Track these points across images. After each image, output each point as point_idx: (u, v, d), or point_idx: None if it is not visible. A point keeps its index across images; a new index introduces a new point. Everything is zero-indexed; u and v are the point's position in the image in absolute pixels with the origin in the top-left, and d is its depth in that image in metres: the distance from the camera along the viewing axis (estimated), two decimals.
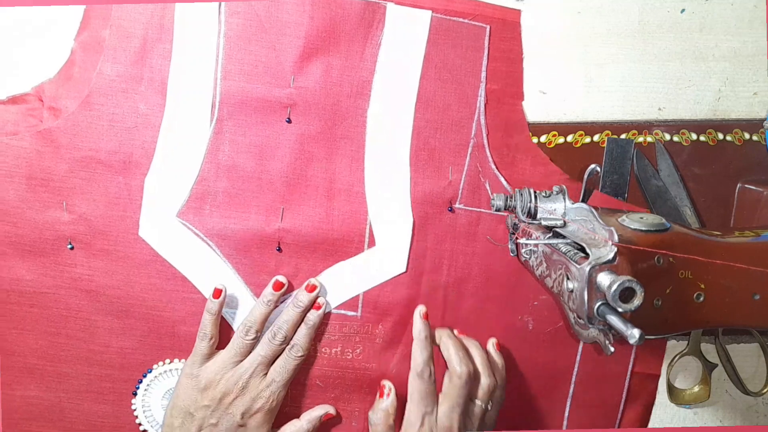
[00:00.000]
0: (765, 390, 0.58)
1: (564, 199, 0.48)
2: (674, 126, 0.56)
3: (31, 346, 0.55)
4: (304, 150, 0.55)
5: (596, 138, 0.56)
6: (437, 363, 0.53)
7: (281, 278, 0.54)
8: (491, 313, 0.57)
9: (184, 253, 0.55)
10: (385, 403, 0.54)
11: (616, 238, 0.37)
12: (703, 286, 0.39)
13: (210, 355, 0.53)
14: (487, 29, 0.55)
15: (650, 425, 0.60)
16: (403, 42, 0.54)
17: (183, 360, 0.55)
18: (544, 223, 0.47)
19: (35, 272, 0.54)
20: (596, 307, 0.35)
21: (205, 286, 0.55)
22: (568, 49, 0.55)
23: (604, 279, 0.35)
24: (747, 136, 0.56)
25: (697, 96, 0.56)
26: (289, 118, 0.54)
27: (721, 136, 0.56)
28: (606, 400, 0.58)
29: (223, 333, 0.55)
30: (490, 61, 0.55)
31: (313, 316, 0.54)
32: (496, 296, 0.57)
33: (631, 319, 0.34)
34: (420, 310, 0.55)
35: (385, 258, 0.56)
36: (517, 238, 0.52)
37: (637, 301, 0.33)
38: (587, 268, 0.36)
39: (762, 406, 0.61)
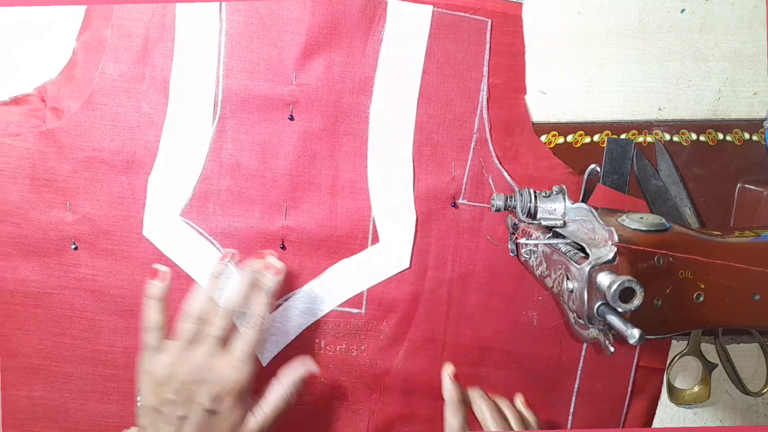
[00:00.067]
0: (765, 390, 0.58)
1: (564, 199, 0.48)
2: (674, 126, 0.56)
3: (36, 347, 0.56)
4: (306, 147, 0.55)
5: (596, 138, 0.56)
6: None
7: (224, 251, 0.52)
8: (496, 309, 0.57)
9: (188, 252, 0.55)
10: None
11: (616, 238, 0.37)
12: (703, 286, 0.39)
13: (161, 347, 0.49)
14: (489, 23, 0.55)
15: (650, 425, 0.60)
16: (405, 37, 0.54)
17: None
18: (544, 223, 0.47)
19: (39, 273, 0.54)
20: (596, 307, 0.35)
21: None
22: (568, 49, 0.55)
23: (604, 279, 0.35)
24: (747, 136, 0.56)
25: (697, 96, 0.56)
26: (291, 116, 0.54)
27: (721, 136, 0.56)
28: (611, 394, 0.58)
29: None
30: (492, 55, 0.55)
31: (269, 280, 0.50)
32: (501, 292, 0.57)
33: (631, 319, 0.34)
34: (448, 370, 0.55)
35: (389, 254, 0.56)
36: (517, 238, 0.52)
37: (637, 301, 0.34)
38: (587, 268, 0.36)
39: (762, 406, 0.61)
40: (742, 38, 0.55)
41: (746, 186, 0.56)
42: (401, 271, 0.56)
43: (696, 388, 0.60)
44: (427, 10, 0.54)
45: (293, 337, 0.57)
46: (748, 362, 0.59)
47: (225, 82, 0.54)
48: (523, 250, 0.50)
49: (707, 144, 0.56)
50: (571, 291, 0.38)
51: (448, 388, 0.54)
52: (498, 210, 0.51)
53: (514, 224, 0.52)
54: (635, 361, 0.58)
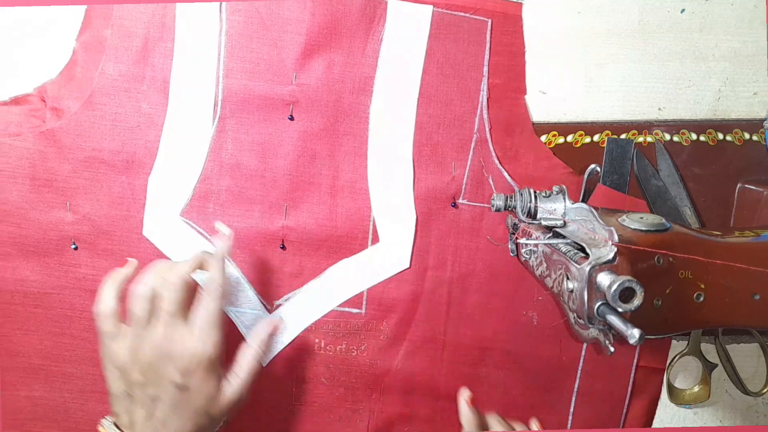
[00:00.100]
0: (765, 390, 0.58)
1: (564, 199, 0.48)
2: (674, 126, 0.56)
3: (36, 347, 0.56)
4: (306, 147, 0.55)
5: (596, 138, 0.56)
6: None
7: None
8: (496, 309, 0.57)
9: (188, 252, 0.55)
10: None
11: (616, 238, 0.37)
12: (703, 286, 0.39)
13: (118, 333, 0.47)
14: (489, 23, 0.55)
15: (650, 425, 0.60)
16: (405, 37, 0.54)
17: None
18: (544, 223, 0.47)
19: (39, 273, 0.54)
20: (596, 307, 0.35)
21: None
22: (568, 49, 0.55)
23: (604, 279, 0.35)
24: (747, 136, 0.56)
25: (697, 96, 0.56)
26: (291, 116, 0.54)
27: (721, 136, 0.56)
28: (611, 394, 0.58)
29: (231, 333, 0.55)
30: (492, 55, 0.55)
31: (221, 245, 0.50)
32: (501, 292, 0.57)
33: (631, 319, 0.34)
34: (464, 396, 0.55)
35: (389, 254, 0.56)
36: (517, 238, 0.52)
37: (637, 301, 0.34)
38: (587, 268, 0.36)
39: (762, 406, 0.61)
40: (742, 38, 0.55)
41: (746, 186, 0.56)
42: (401, 271, 0.56)
43: (696, 388, 0.60)
44: (427, 10, 0.54)
45: (293, 337, 0.57)
46: (748, 362, 0.59)
47: (225, 82, 0.54)
48: (523, 250, 0.50)
49: (707, 144, 0.56)
50: (571, 291, 0.38)
51: (466, 414, 0.55)
52: (498, 210, 0.51)
53: (514, 224, 0.52)
54: (635, 361, 0.58)
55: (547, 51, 0.55)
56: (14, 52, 0.54)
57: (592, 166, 0.53)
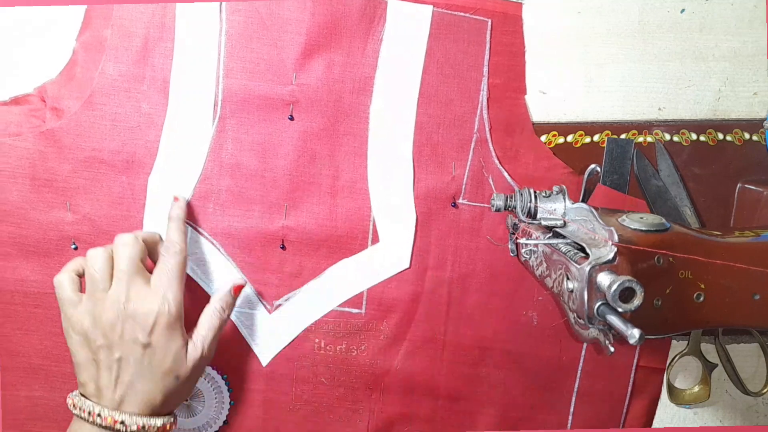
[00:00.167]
0: (765, 390, 0.58)
1: (564, 199, 0.48)
2: (674, 126, 0.56)
3: (36, 347, 0.56)
4: (306, 147, 0.55)
5: (596, 138, 0.56)
6: None
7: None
8: (496, 309, 0.57)
9: (188, 251, 0.55)
10: None
11: (616, 238, 0.37)
12: (703, 286, 0.39)
13: (78, 301, 0.47)
14: (489, 23, 0.55)
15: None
16: (405, 37, 0.54)
17: None
18: (544, 223, 0.47)
19: (39, 273, 0.54)
20: (596, 307, 0.35)
21: (210, 285, 0.55)
22: (568, 49, 0.55)
23: (604, 279, 0.35)
24: (747, 136, 0.56)
25: (697, 96, 0.56)
26: (291, 116, 0.54)
27: (721, 136, 0.56)
28: (611, 394, 0.58)
29: (232, 333, 0.55)
30: (492, 55, 0.55)
31: (175, 208, 0.52)
32: (501, 291, 0.57)
33: (631, 319, 0.34)
34: None
35: (389, 254, 0.56)
36: (517, 238, 0.52)
37: (637, 301, 0.34)
38: (587, 268, 0.36)
39: (762, 406, 0.61)
40: (742, 38, 0.55)
41: (746, 186, 0.56)
42: (401, 271, 0.56)
43: (696, 388, 0.60)
44: (427, 10, 0.54)
45: (293, 337, 0.57)
46: (748, 362, 0.59)
47: (225, 82, 0.54)
48: (523, 250, 0.50)
49: (707, 144, 0.56)
50: (571, 291, 0.38)
51: None
52: (498, 210, 0.51)
53: (514, 224, 0.52)
54: (635, 361, 0.58)
55: (547, 51, 0.55)
56: (14, 52, 0.54)
57: (592, 166, 0.53)
